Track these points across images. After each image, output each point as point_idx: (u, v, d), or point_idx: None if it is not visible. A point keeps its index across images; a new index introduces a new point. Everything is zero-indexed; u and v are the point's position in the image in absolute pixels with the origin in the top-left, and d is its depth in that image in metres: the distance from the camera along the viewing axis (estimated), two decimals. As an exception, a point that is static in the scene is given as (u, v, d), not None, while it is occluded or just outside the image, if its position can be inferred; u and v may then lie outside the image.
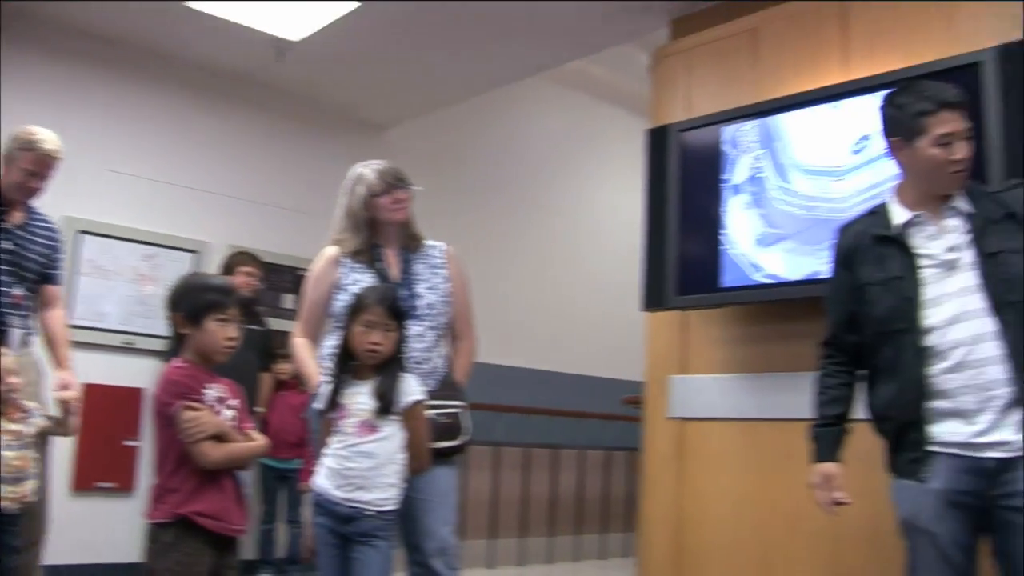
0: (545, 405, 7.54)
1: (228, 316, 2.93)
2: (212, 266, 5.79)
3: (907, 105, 2.66)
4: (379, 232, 3.44)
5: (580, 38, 5.52)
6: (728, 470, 4.12)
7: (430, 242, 3.55)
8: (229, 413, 2.90)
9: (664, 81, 4.73)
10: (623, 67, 7.12)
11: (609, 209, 8.20)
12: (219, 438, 2.81)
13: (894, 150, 2.74)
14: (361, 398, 2.99)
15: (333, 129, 6.77)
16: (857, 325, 2.79)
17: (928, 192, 2.70)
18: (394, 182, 3.41)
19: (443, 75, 6.17)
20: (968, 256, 2.63)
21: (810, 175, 3.79)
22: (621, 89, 7.92)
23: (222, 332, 2.90)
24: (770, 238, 3.86)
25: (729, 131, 4.06)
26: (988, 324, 2.56)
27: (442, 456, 3.25)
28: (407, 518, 3.18)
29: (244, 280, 5.38)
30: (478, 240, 7.36)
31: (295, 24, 5.39)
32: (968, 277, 2.61)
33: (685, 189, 4.16)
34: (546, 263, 8.12)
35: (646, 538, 4.43)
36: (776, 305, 3.99)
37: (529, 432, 7.42)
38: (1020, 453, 2.50)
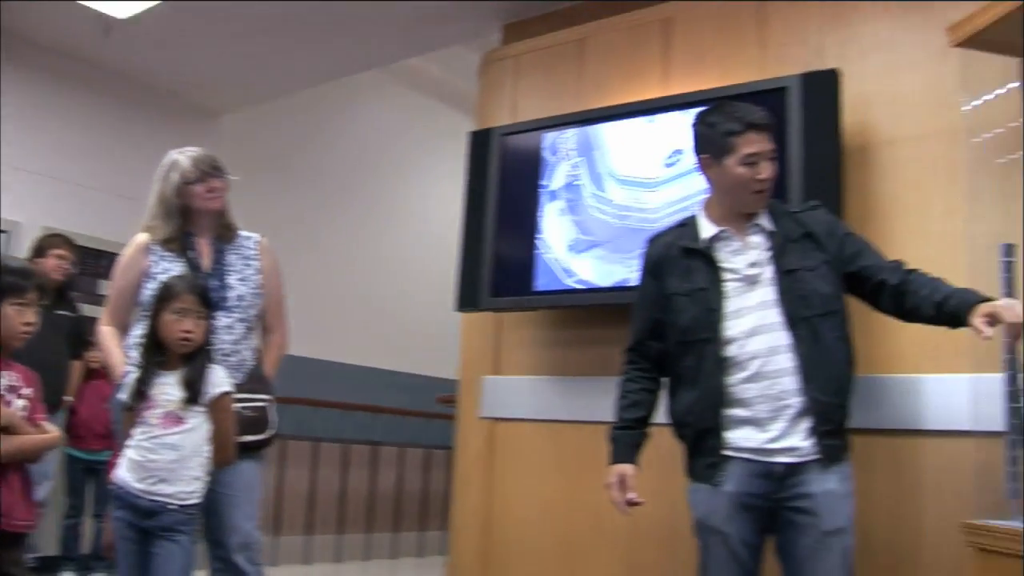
0: (366, 401, 7.51)
1: (26, 301, 2.84)
2: (22, 248, 5.51)
3: (717, 124, 2.76)
4: (192, 220, 3.37)
5: (415, 36, 5.53)
6: (536, 470, 4.18)
7: (245, 233, 3.49)
8: (20, 403, 2.80)
9: (492, 85, 4.77)
10: (460, 68, 7.14)
11: (436, 208, 8.24)
12: (7, 430, 2.71)
13: (703, 167, 2.83)
14: (168, 388, 2.93)
15: (164, 113, 6.56)
16: (661, 333, 2.88)
17: (733, 209, 2.81)
18: (209, 170, 3.35)
19: (278, 64, 6.08)
20: (768, 272, 2.74)
21: (624, 185, 3.88)
22: (456, 90, 7.97)
23: (19, 317, 2.81)
24: (583, 244, 3.93)
25: (550, 138, 4.13)
26: (783, 337, 2.68)
27: (248, 450, 3.20)
28: (210, 513, 3.13)
29: (55, 264, 5.16)
30: (304, 232, 7.33)
31: (122, 1, 5.21)
32: (767, 292, 2.73)
33: (504, 192, 4.20)
34: (371, 258, 8.11)
35: (456, 536, 4.46)
36: (587, 310, 4.08)
37: (349, 428, 7.40)
38: (807, 458, 2.64)
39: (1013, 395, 2.76)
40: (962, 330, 2.60)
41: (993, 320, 2.49)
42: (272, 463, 6.56)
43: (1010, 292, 2.80)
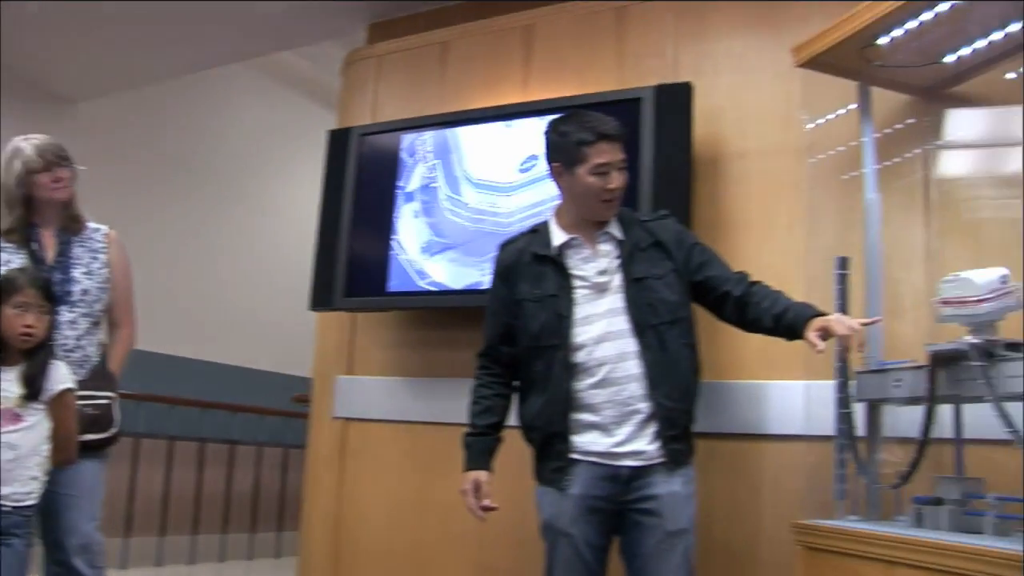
0: (224, 399, 7.38)
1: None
2: None
3: (569, 133, 2.79)
4: (36, 211, 3.28)
5: (281, 31, 5.47)
6: (387, 471, 4.17)
7: (93, 224, 3.41)
8: None
9: (354, 84, 4.74)
10: (329, 65, 7.09)
11: (297, 205, 8.11)
12: None
13: (555, 174, 2.87)
14: (6, 385, 2.84)
15: (16, 98, 6.26)
16: (513, 338, 2.90)
17: (584, 216, 2.85)
18: (55, 159, 3.26)
19: (140, 52, 5.92)
20: (617, 279, 2.79)
21: (479, 189, 3.90)
22: (324, 86, 7.89)
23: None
24: (436, 247, 3.94)
25: (408, 139, 4.12)
26: (631, 344, 2.74)
27: (90, 449, 3.13)
28: (47, 514, 3.05)
29: None
30: (163, 224, 7.20)
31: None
32: (616, 299, 2.78)
33: (360, 192, 4.18)
34: (233, 254, 8.00)
35: (307, 537, 4.41)
36: (439, 312, 4.10)
37: (206, 426, 7.24)
38: (652, 462, 2.71)
39: (843, 401, 2.88)
40: (797, 342, 2.71)
41: (826, 334, 2.59)
42: (124, 462, 6.40)
43: (844, 303, 2.92)
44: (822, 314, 2.68)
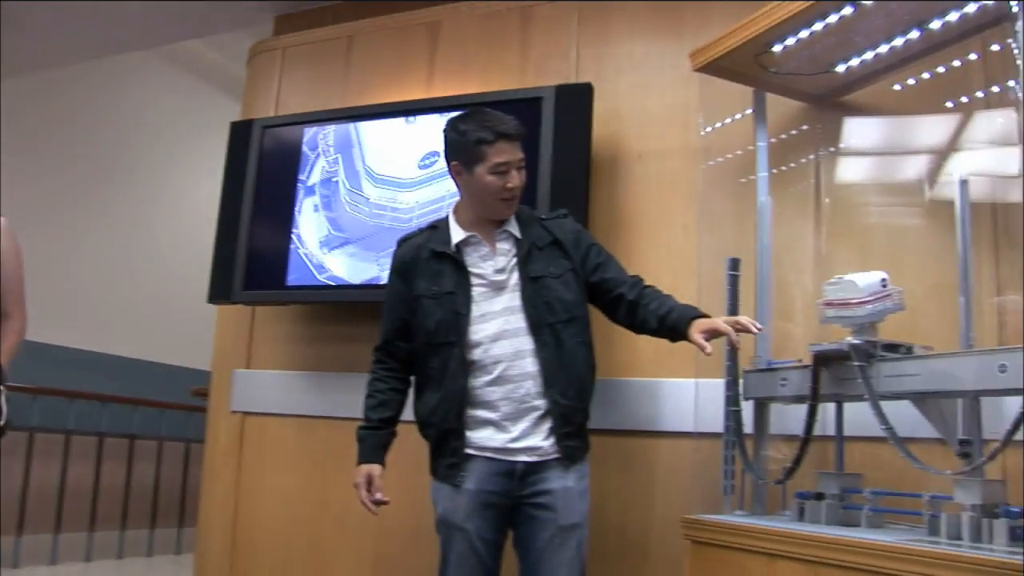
0: (124, 393, 7.24)
1: None
2: None
3: (469, 132, 2.79)
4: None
5: (186, 20, 5.38)
6: (285, 465, 4.15)
7: (-18, 214, 3.34)
8: None
9: (259, 76, 4.70)
10: (239, 56, 7.01)
11: (202, 195, 7.99)
12: None
13: (454, 173, 2.88)
14: None
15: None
16: (409, 334, 2.92)
17: (482, 215, 2.87)
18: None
19: (41, 37, 5.76)
20: (514, 278, 2.82)
21: (379, 184, 3.90)
22: (234, 77, 7.80)
23: None
24: (336, 241, 3.93)
25: (310, 132, 4.10)
26: (527, 342, 2.77)
27: (-26, 443, 3.07)
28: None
29: None
30: (63, 213, 7.05)
31: None
32: (513, 297, 2.80)
33: (261, 185, 4.14)
34: (134, 244, 7.86)
35: (204, 532, 4.37)
36: (338, 307, 4.08)
37: (104, 420, 7.09)
38: (547, 458, 2.74)
39: (732, 400, 2.95)
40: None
41: (711, 334, 2.65)
42: (17, 458, 6.25)
43: (735, 303, 2.99)
44: (705, 315, 2.74)
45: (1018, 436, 2.08)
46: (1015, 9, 2.22)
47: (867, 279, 2.52)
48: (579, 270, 2.90)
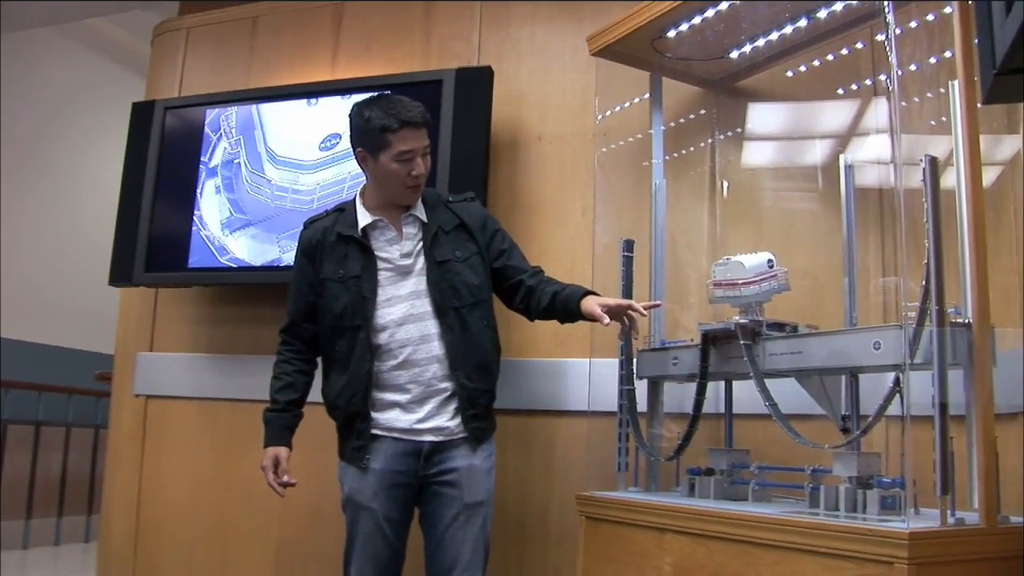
0: (28, 379, 7.12)
1: None
2: None
3: (373, 119, 2.79)
4: None
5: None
6: (189, 449, 4.13)
7: None
8: None
9: (162, 56, 4.64)
10: (146, 35, 6.92)
11: (104, 175, 7.88)
12: None
13: (359, 159, 2.88)
14: None
15: None
16: (315, 316, 2.93)
17: (388, 200, 2.88)
18: None
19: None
20: (420, 262, 2.85)
21: (281, 165, 3.89)
22: (142, 56, 7.69)
23: None
24: (237, 223, 3.91)
25: (212, 114, 4.07)
26: (433, 326, 2.80)
27: None
28: None
29: None
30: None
31: None
32: (419, 281, 2.83)
33: (163, 166, 4.10)
34: (39, 225, 7.72)
35: (107, 517, 4.32)
36: (240, 288, 4.07)
37: (8, 407, 6.96)
38: (453, 437, 2.79)
39: (625, 378, 3.01)
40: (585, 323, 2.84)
41: (611, 310, 2.71)
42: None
43: (628, 284, 3.06)
44: (595, 294, 2.83)
45: (898, 411, 2.15)
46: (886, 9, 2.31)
47: (754, 260, 2.58)
48: (484, 254, 2.94)
